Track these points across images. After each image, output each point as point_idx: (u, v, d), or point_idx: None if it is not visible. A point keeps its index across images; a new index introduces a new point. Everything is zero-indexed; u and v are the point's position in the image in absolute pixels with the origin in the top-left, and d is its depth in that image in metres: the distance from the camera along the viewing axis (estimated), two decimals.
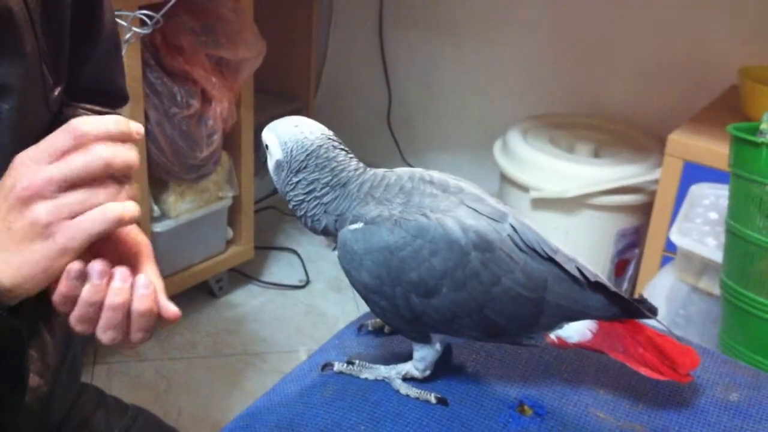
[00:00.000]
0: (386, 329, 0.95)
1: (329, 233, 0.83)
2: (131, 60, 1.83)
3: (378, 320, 0.95)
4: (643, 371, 0.80)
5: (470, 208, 0.78)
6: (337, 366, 0.89)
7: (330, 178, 0.80)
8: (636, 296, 0.84)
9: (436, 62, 2.90)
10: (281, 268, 2.67)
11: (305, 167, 0.80)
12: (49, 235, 0.69)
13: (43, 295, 0.98)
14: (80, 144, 0.69)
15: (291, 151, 0.80)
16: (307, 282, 2.60)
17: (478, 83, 2.84)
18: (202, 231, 2.30)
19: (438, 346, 0.83)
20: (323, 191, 0.81)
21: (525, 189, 2.22)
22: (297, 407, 0.83)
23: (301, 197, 0.81)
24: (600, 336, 0.81)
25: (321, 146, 0.80)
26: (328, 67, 3.19)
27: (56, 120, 0.92)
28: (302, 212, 0.82)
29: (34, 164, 0.69)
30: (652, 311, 0.81)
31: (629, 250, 2.29)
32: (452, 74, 2.89)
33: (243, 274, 2.58)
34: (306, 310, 2.48)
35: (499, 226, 0.78)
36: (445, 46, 2.86)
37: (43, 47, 0.87)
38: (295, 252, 2.73)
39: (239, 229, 2.43)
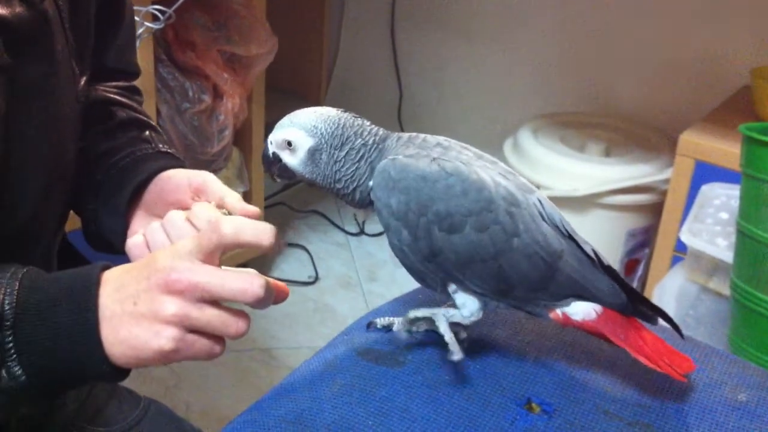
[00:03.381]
0: (395, 327, 0.95)
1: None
2: (143, 55, 1.83)
3: (386, 318, 0.95)
4: (642, 360, 0.82)
5: (502, 174, 0.82)
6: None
7: (374, 138, 0.83)
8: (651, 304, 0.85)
9: (447, 60, 2.90)
10: (291, 265, 2.67)
11: (347, 139, 0.82)
12: (157, 332, 0.68)
13: None
14: (228, 246, 0.69)
15: (324, 132, 0.82)
16: (317, 278, 2.60)
17: (488, 81, 2.84)
18: None
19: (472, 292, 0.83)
20: (373, 153, 0.83)
21: (535, 188, 2.21)
22: (305, 402, 0.84)
23: (355, 167, 0.83)
24: (603, 319, 0.83)
25: (347, 118, 0.83)
26: (340, 64, 3.19)
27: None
28: (355, 183, 0.84)
29: (188, 256, 0.69)
30: (655, 317, 0.84)
31: (639, 250, 2.28)
32: (463, 72, 2.88)
33: None
34: (315, 307, 2.48)
35: (528, 195, 0.82)
36: (456, 44, 2.86)
37: (72, 42, 0.89)
38: (304, 248, 2.74)
39: None
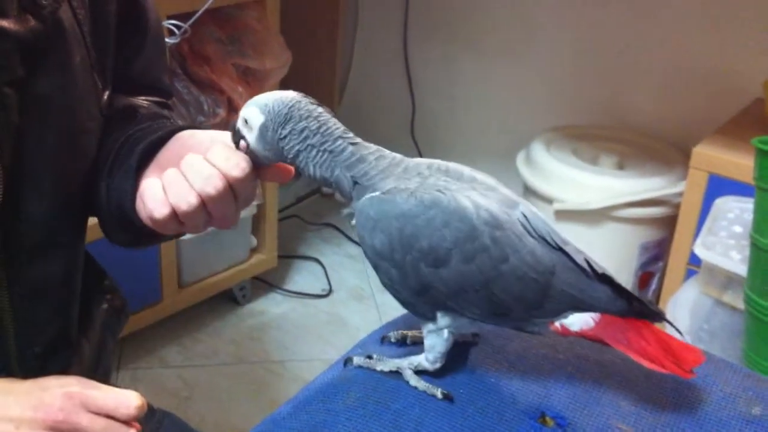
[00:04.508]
0: (408, 341, 0.96)
1: (342, 190, 0.83)
2: None
3: (400, 332, 0.96)
4: (645, 363, 0.81)
5: (481, 194, 0.81)
6: (356, 360, 0.91)
7: (318, 125, 0.82)
8: (651, 305, 0.84)
9: (460, 73, 2.91)
10: (304, 277, 2.68)
11: (290, 119, 0.81)
12: None
13: (82, 307, 1.01)
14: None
15: (272, 108, 0.82)
16: (330, 291, 2.61)
17: (501, 94, 2.84)
18: (226, 239, 2.31)
19: (446, 334, 0.84)
20: (317, 138, 0.81)
21: (548, 200, 2.22)
22: (319, 414, 0.84)
23: (297, 147, 0.82)
24: (602, 325, 0.82)
25: (298, 101, 0.82)
26: (353, 78, 3.21)
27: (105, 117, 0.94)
28: (304, 162, 0.83)
29: (69, 401, 0.75)
30: (659, 315, 0.83)
31: (653, 263, 2.28)
32: (476, 85, 2.89)
33: (266, 283, 2.59)
34: (328, 319, 2.48)
35: (510, 212, 0.80)
36: (469, 58, 2.86)
37: (93, 55, 0.89)
38: (318, 261, 2.74)
39: (263, 237, 2.44)
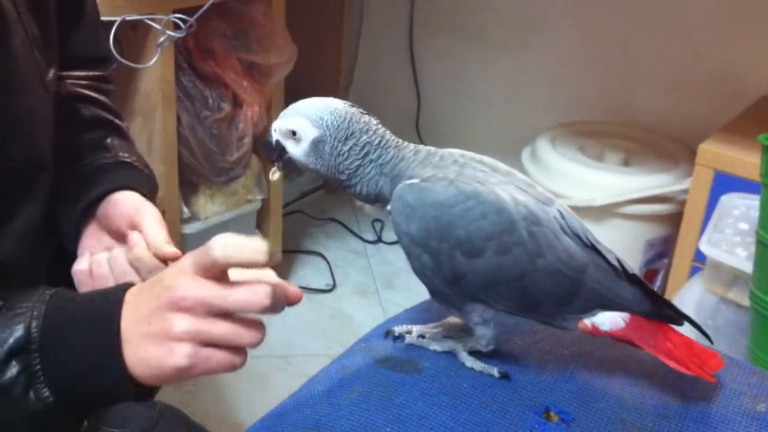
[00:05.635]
0: (413, 335, 0.96)
1: (383, 199, 0.83)
2: (165, 63, 1.85)
3: (404, 326, 0.96)
4: (672, 364, 0.82)
5: (520, 188, 0.81)
6: (408, 338, 0.92)
7: (380, 139, 0.82)
8: (676, 309, 0.85)
9: (466, 69, 2.91)
10: (308, 272, 2.68)
11: (351, 134, 0.81)
12: (171, 350, 0.68)
13: None
14: (223, 267, 0.69)
15: (330, 124, 0.81)
16: (334, 286, 2.61)
17: (507, 90, 2.84)
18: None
19: (491, 323, 0.84)
20: (377, 153, 0.82)
21: (554, 197, 2.21)
22: (323, 408, 0.84)
23: (357, 163, 0.82)
24: (632, 327, 0.83)
25: (353, 113, 0.83)
26: (358, 73, 3.21)
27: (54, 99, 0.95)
28: (358, 179, 0.83)
29: (191, 274, 0.69)
30: (680, 319, 0.84)
31: (658, 260, 2.27)
32: (481, 81, 2.89)
33: None
34: (332, 314, 2.48)
35: (547, 209, 0.81)
36: (475, 53, 2.86)
37: (33, 34, 0.89)
38: (322, 256, 2.74)
39: (267, 232, 2.44)
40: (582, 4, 2.56)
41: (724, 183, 1.81)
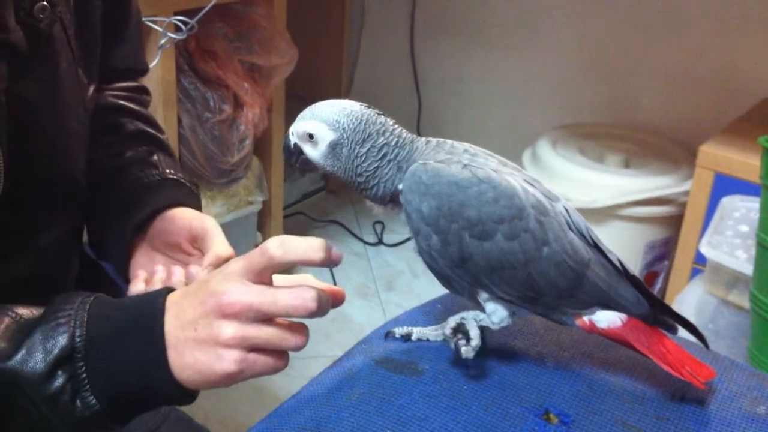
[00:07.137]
0: (413, 337, 0.96)
1: (398, 194, 0.83)
2: (166, 65, 1.85)
3: (405, 328, 0.96)
4: (665, 367, 0.82)
5: (528, 182, 0.83)
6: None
7: (396, 139, 0.83)
8: (673, 316, 0.85)
9: (467, 71, 2.91)
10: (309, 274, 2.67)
11: (368, 136, 0.82)
12: (219, 356, 0.69)
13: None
14: (277, 267, 0.70)
15: (347, 126, 0.82)
16: None
17: (508, 92, 2.84)
18: (232, 235, 2.30)
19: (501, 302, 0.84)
20: (395, 152, 0.83)
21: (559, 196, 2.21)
22: (323, 410, 0.84)
23: (376, 164, 0.83)
24: (628, 327, 0.84)
25: (370, 114, 0.83)
26: (359, 75, 3.21)
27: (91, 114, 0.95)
28: (376, 180, 0.83)
29: (239, 278, 0.70)
30: (674, 326, 0.85)
31: (658, 262, 2.27)
32: (482, 83, 2.89)
33: None
34: (333, 316, 2.47)
35: (554, 204, 0.83)
36: (476, 55, 2.86)
37: (78, 55, 0.89)
38: None
39: (268, 233, 2.44)
40: (583, 6, 2.56)
41: (725, 185, 1.82)
